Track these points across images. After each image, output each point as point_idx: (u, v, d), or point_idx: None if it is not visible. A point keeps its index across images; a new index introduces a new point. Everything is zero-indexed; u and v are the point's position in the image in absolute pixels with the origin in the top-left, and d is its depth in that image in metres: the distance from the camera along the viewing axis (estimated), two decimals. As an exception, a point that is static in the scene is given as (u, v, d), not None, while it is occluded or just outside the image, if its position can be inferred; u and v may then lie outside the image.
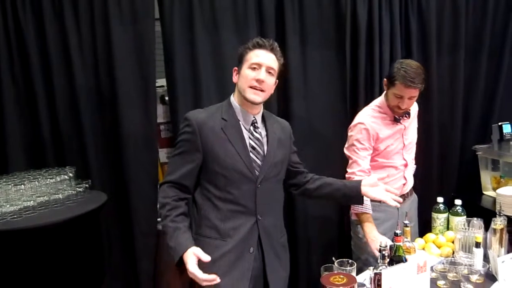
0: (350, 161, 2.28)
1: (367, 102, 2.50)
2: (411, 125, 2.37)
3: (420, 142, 3.15)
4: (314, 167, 2.83)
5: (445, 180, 3.35)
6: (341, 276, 1.21)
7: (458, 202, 2.25)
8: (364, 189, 1.89)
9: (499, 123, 3.18)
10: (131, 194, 2.60)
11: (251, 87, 1.68)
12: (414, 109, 2.39)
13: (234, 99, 1.78)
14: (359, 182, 1.91)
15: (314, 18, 2.85)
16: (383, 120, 2.27)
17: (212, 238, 1.73)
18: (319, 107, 2.95)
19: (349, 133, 2.30)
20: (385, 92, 2.27)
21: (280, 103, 2.86)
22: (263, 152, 1.76)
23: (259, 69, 1.68)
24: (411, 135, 2.37)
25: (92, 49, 2.53)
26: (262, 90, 1.70)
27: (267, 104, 2.77)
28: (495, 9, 3.23)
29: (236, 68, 1.77)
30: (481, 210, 3.00)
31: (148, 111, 2.62)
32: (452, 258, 1.96)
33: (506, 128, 3.15)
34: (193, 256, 1.58)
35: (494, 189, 3.22)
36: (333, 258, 1.70)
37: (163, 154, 3.07)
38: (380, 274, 1.51)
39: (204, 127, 1.68)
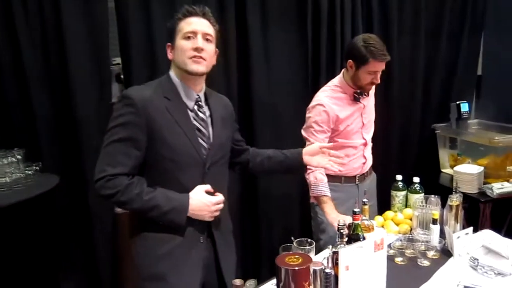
0: (307, 143, 2.24)
1: (328, 80, 2.45)
2: (370, 103, 2.36)
3: (381, 121, 3.19)
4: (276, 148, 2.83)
5: (405, 158, 3.41)
6: (297, 256, 1.18)
7: (416, 180, 2.28)
8: (306, 158, 1.82)
9: (457, 102, 3.24)
10: (86, 176, 2.49)
11: (190, 57, 1.52)
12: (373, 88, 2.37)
13: (173, 74, 1.61)
14: (300, 151, 1.84)
15: (274, -5, 2.79)
16: (342, 100, 2.25)
17: (158, 231, 1.56)
18: (281, 87, 2.91)
19: (307, 115, 2.26)
20: (345, 72, 2.25)
21: (240, 83, 2.79)
22: (208, 133, 1.63)
23: (195, 37, 1.52)
24: (369, 114, 2.36)
25: (41, 27, 2.35)
26: (203, 59, 1.54)
27: (227, 85, 2.76)
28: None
29: (169, 43, 1.60)
30: (439, 187, 3.08)
31: (103, 90, 2.50)
32: (410, 235, 1.98)
33: (464, 107, 3.22)
34: (199, 192, 1.55)
35: (452, 167, 3.30)
36: (292, 238, 1.68)
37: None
38: (338, 252, 1.50)
39: (149, 107, 1.49)
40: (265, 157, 1.88)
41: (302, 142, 2.32)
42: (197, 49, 1.52)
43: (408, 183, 2.32)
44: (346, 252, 1.34)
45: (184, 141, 1.54)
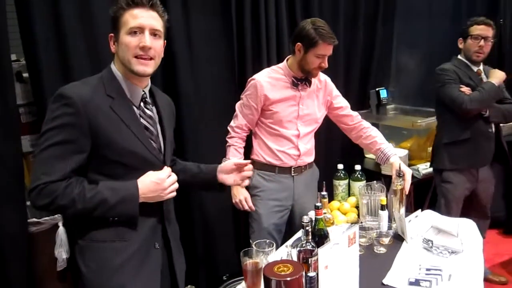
0: (234, 114, 2.32)
1: (254, 72, 2.36)
2: (313, 97, 2.28)
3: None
4: (207, 146, 2.67)
5: (330, 147, 3.44)
6: (286, 264, 1.05)
7: (357, 167, 2.28)
8: (220, 176, 1.66)
9: (377, 89, 3.35)
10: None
11: (136, 56, 1.36)
12: (323, 82, 2.32)
13: (116, 69, 1.44)
14: (216, 167, 1.68)
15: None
16: (279, 81, 2.20)
17: (109, 240, 1.39)
18: (207, 81, 2.74)
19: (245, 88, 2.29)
20: (291, 58, 2.20)
21: (164, 78, 2.57)
22: (157, 132, 1.50)
23: (142, 33, 1.36)
24: (310, 108, 2.27)
25: None
26: (150, 58, 1.39)
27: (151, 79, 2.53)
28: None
29: (111, 34, 1.42)
30: (364, 172, 3.15)
31: (5, 92, 2.11)
32: (361, 224, 1.96)
33: (383, 93, 3.34)
34: (150, 176, 1.39)
35: (375, 152, 3.40)
36: (250, 241, 1.57)
37: (26, 142, 2.54)
38: (304, 251, 1.40)
39: (90, 106, 1.31)
40: (180, 169, 1.70)
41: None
42: (143, 48, 1.36)
43: (334, 171, 2.32)
44: (325, 252, 1.24)
45: (135, 143, 1.39)
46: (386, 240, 1.84)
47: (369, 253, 1.80)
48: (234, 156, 2.25)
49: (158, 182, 1.39)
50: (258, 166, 2.26)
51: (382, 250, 1.81)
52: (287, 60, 2.23)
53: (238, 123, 2.27)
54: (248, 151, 2.37)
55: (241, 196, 2.23)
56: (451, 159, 2.61)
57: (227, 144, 2.30)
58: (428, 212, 2.12)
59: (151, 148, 1.43)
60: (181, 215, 2.67)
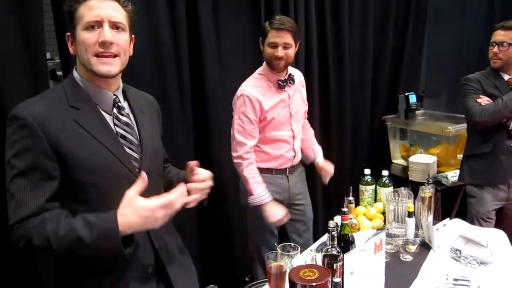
0: (234, 142, 2.20)
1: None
2: (297, 94, 2.31)
3: (334, 116, 3.18)
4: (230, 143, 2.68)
5: (357, 151, 3.42)
6: (312, 269, 1.05)
7: (385, 173, 2.24)
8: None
9: (406, 94, 3.30)
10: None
11: (96, 55, 1.17)
12: (298, 77, 2.35)
13: (78, 74, 1.24)
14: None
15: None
16: (266, 89, 2.21)
17: (97, 277, 1.20)
18: (235, 79, 2.75)
19: (234, 107, 2.22)
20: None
21: (193, 76, 2.60)
22: (137, 139, 1.28)
23: (101, 27, 1.16)
24: (297, 105, 2.31)
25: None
26: (114, 56, 1.19)
27: (179, 77, 2.56)
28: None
29: (68, 33, 1.22)
30: (391, 177, 3.11)
31: (39, 89, 2.17)
32: (387, 230, 1.93)
33: (412, 98, 3.29)
34: (129, 200, 1.11)
35: (403, 157, 3.37)
36: (275, 244, 1.56)
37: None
38: (330, 256, 1.39)
39: (48, 124, 1.12)
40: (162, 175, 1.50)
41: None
42: (103, 44, 1.16)
43: (361, 175, 2.28)
44: (351, 258, 1.23)
45: (107, 158, 1.18)
46: (412, 248, 1.81)
47: (395, 261, 1.78)
48: (258, 188, 2.17)
49: (148, 214, 1.11)
50: None
51: (409, 258, 1.78)
52: (265, 63, 2.25)
53: (248, 147, 2.17)
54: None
55: (280, 215, 2.16)
56: (471, 173, 2.51)
57: (246, 177, 2.17)
58: (457, 221, 2.07)
59: (126, 161, 1.22)
60: (201, 215, 2.70)
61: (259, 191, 2.18)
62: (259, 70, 2.27)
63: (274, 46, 2.11)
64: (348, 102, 3.22)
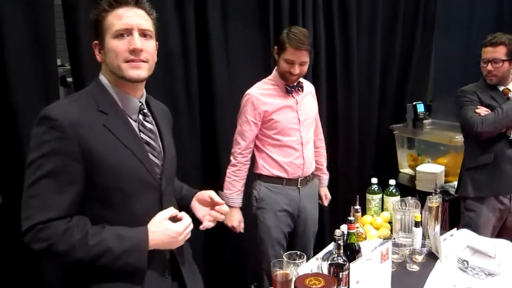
0: (234, 138, 2.28)
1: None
2: (305, 100, 2.31)
3: (342, 124, 3.18)
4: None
5: (364, 160, 3.41)
6: (318, 277, 1.05)
7: (392, 182, 2.24)
8: (193, 203, 1.48)
9: (414, 103, 3.29)
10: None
11: (127, 61, 1.21)
12: (308, 87, 2.35)
13: (106, 80, 1.27)
14: (195, 193, 1.50)
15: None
16: (272, 91, 2.22)
17: (116, 281, 1.21)
18: (243, 86, 2.76)
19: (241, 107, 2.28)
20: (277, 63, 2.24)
21: (201, 82, 2.62)
22: (159, 147, 1.33)
23: (130, 35, 1.20)
24: (307, 111, 2.30)
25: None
26: (143, 61, 1.23)
27: (187, 82, 2.58)
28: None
29: (96, 42, 1.26)
30: (398, 187, 3.10)
31: (50, 95, 2.20)
32: (394, 240, 1.92)
33: (420, 107, 3.28)
34: (160, 221, 1.21)
35: (411, 167, 3.35)
36: (281, 252, 1.56)
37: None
38: (336, 265, 1.39)
39: (80, 127, 1.15)
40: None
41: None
42: (134, 52, 1.20)
43: (367, 184, 2.27)
44: (357, 267, 1.23)
45: (133, 163, 1.22)
46: (419, 258, 1.80)
47: (402, 270, 1.77)
48: (231, 189, 2.26)
49: (174, 236, 1.22)
50: (265, 179, 2.27)
51: (415, 268, 1.77)
52: (276, 69, 2.26)
53: (241, 146, 2.23)
54: (251, 166, 2.34)
55: (235, 222, 2.26)
56: (474, 185, 2.42)
57: (227, 175, 2.27)
58: (464, 231, 2.06)
59: (150, 168, 1.26)
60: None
61: (230, 192, 2.25)
62: (269, 76, 2.29)
63: (291, 63, 2.12)
64: (355, 111, 3.22)
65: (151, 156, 1.28)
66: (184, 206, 1.46)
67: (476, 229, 2.33)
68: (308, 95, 2.35)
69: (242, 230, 2.30)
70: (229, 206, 2.15)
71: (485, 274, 1.70)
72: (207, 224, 1.39)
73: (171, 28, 2.44)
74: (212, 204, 1.43)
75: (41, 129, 1.14)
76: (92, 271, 1.19)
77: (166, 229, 1.20)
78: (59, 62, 2.54)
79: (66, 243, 1.11)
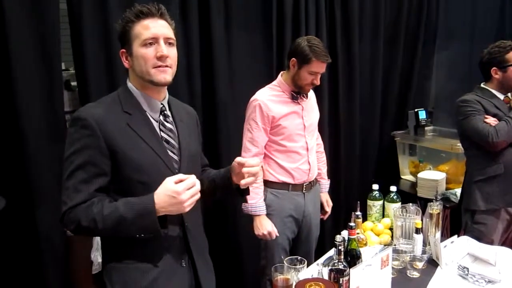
0: (242, 148, 2.26)
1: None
2: (309, 107, 2.34)
3: (344, 130, 3.19)
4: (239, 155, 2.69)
5: (365, 166, 3.42)
6: (318, 283, 1.06)
7: (393, 188, 2.25)
8: (233, 178, 1.54)
9: (415, 110, 3.30)
10: (34, 196, 2.19)
11: (155, 67, 1.35)
12: (310, 93, 2.37)
13: (132, 85, 1.43)
14: (228, 169, 1.57)
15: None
16: (279, 98, 2.24)
17: (136, 261, 1.37)
18: (245, 92, 2.78)
19: (246, 114, 2.26)
20: (285, 73, 2.26)
21: (204, 89, 2.64)
22: (178, 144, 1.46)
23: (157, 43, 1.34)
24: (311, 117, 2.33)
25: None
26: (168, 66, 1.37)
27: (190, 86, 2.60)
28: (410, 2, 3.37)
29: (123, 50, 1.40)
30: (400, 193, 3.11)
31: (54, 99, 2.21)
32: (394, 246, 1.93)
33: (422, 114, 3.29)
34: (164, 184, 1.26)
35: (412, 173, 3.36)
36: (282, 257, 1.57)
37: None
38: (336, 270, 1.40)
39: (106, 125, 1.31)
40: (203, 176, 1.65)
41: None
42: (161, 58, 1.34)
43: (369, 191, 2.28)
44: (357, 272, 1.24)
45: (153, 159, 1.36)
46: (420, 265, 1.80)
47: (402, 277, 1.77)
48: (255, 198, 2.19)
49: (174, 196, 1.25)
50: (271, 185, 2.27)
51: (416, 274, 1.78)
52: (281, 76, 2.28)
53: (252, 154, 2.20)
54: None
55: (264, 230, 2.20)
56: (484, 198, 2.34)
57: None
58: (465, 238, 2.06)
59: (169, 163, 1.40)
60: (211, 226, 2.71)
61: (254, 201, 2.19)
62: (274, 82, 2.30)
63: (314, 74, 2.16)
64: (357, 117, 3.23)
65: (169, 153, 1.41)
66: (223, 185, 1.57)
67: (488, 242, 2.24)
68: (311, 101, 2.38)
69: (277, 234, 2.23)
70: (256, 216, 2.21)
71: (486, 281, 1.70)
72: (244, 181, 1.45)
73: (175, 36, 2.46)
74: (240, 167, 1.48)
75: (73, 129, 1.31)
76: (113, 252, 1.38)
77: (166, 189, 1.25)
78: (63, 66, 2.55)
79: (88, 218, 1.26)
